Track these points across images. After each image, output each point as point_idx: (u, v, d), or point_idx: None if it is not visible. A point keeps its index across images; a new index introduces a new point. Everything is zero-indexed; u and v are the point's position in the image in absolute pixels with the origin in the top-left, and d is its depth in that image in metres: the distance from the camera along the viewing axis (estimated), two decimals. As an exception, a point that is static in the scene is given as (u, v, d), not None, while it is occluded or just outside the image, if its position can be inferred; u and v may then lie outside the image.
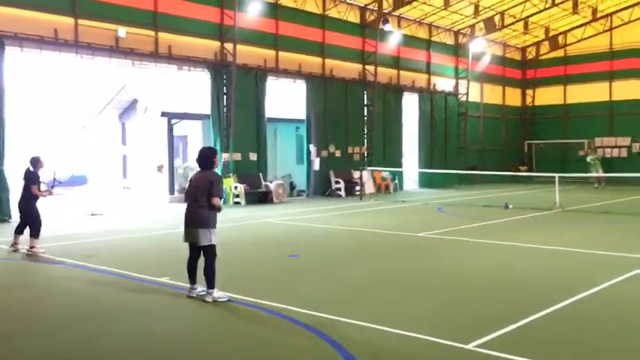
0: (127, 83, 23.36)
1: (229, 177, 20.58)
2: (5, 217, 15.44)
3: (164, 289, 7.72)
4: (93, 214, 16.95)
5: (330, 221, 15.30)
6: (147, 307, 6.88)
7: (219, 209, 7.15)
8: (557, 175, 18.96)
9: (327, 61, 24.47)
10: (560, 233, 12.78)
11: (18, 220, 10.86)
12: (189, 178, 7.66)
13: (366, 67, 26.00)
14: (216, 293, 7.04)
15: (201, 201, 7.10)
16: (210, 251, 7.13)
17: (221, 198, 7.24)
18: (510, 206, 17.72)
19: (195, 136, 22.93)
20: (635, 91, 31.92)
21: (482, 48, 31.84)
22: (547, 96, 35.61)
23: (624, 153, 32.18)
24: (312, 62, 23.93)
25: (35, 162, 10.50)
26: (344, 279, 8.40)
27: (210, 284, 7.06)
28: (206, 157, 7.30)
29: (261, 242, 11.97)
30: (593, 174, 27.16)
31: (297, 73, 23.38)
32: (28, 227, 10.57)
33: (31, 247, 10.32)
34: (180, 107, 21.81)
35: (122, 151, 25.40)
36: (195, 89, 21.79)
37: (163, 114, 21.23)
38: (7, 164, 15.87)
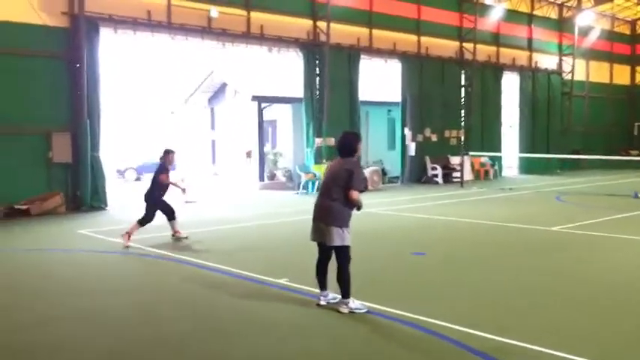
0: (217, 67, 22.77)
1: (323, 163, 19.55)
2: (102, 205, 15.09)
3: (286, 295, 6.70)
4: (187, 202, 16.38)
5: (438, 211, 13.97)
6: (272, 320, 5.85)
7: (357, 205, 6.01)
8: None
9: (422, 38, 22.91)
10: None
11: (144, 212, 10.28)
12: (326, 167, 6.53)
13: (464, 44, 24.23)
14: (353, 303, 5.95)
15: (335, 193, 5.97)
16: (344, 254, 6.01)
17: (362, 191, 6.04)
18: None
19: (285, 121, 22.06)
20: None
21: (590, 22, 29.17)
22: (660, 73, 32.46)
23: None
24: (406, 40, 22.46)
25: (165, 154, 10.32)
26: (488, 285, 7.11)
27: (346, 293, 5.98)
28: (348, 143, 6.14)
29: (373, 236, 10.81)
30: None
31: (391, 52, 21.99)
32: (165, 216, 10.33)
33: (175, 232, 10.31)
34: (270, 90, 20.97)
35: (211, 136, 24.95)
36: (285, 71, 20.88)
37: (254, 98, 20.46)
38: (103, 151, 15.52)
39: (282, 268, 8.01)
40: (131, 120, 28.41)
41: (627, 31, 32.93)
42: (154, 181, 10.24)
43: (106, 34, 15.50)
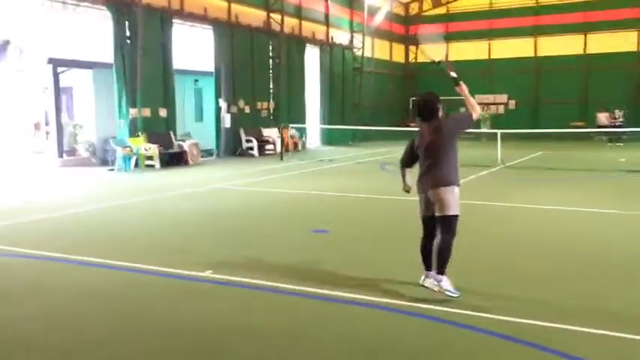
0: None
1: (138, 136, 17.74)
2: None
3: (234, 291, 5.72)
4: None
5: (285, 185, 13.62)
6: (259, 329, 4.92)
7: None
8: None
9: (232, 5, 22.03)
10: (551, 192, 12.43)
11: None
12: (412, 139, 5.70)
13: (271, 15, 23.94)
14: (446, 283, 5.32)
15: (441, 160, 5.38)
16: (452, 224, 5.35)
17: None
18: None
19: (84, 88, 19.46)
20: (514, 49, 33.46)
21: (376, 1, 31.10)
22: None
23: (501, 110, 33.84)
24: (217, 6, 21.38)
25: None
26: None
27: (442, 269, 5.33)
28: (430, 105, 5.49)
29: (253, 213, 10.06)
30: (483, 130, 28.03)
31: (202, 18, 20.74)
32: None
33: None
34: (67, 53, 18.20)
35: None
36: (85, 32, 18.29)
37: (50, 60, 17.58)
38: None
39: (185, 256, 6.91)
40: None
41: (402, 13, 35.93)
42: None
43: None
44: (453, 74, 5.60)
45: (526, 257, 6.95)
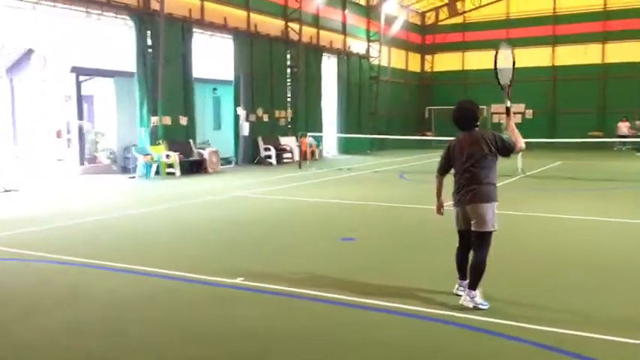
0: (20, 28, 19.28)
1: (159, 144, 17.91)
2: None
3: (266, 298, 5.76)
4: (6, 190, 13.71)
5: (306, 193, 13.65)
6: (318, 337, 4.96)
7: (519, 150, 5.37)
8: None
9: (251, 15, 22.23)
10: (576, 201, 12.37)
11: None
12: (448, 146, 5.53)
13: (289, 24, 24.11)
14: (479, 298, 5.29)
15: (482, 175, 5.26)
16: (487, 240, 5.31)
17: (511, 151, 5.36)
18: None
19: (106, 97, 19.67)
20: (531, 58, 33.33)
21: (393, 11, 31.21)
22: (445, 62, 36.14)
23: (519, 119, 33.69)
24: (237, 16, 21.59)
25: None
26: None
27: (475, 284, 5.29)
28: (470, 114, 5.39)
29: (277, 221, 10.10)
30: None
31: (222, 27, 20.94)
32: None
33: None
34: (89, 62, 18.45)
35: (10, 112, 21.20)
36: (108, 41, 18.54)
37: (74, 69, 17.83)
38: None
39: (216, 264, 6.96)
40: None
41: (418, 22, 35.99)
42: None
43: None
44: (508, 103, 5.52)
45: (556, 267, 6.91)
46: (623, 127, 27.59)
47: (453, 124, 5.44)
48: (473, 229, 5.33)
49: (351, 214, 11.09)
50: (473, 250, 5.40)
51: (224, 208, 11.59)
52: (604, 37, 31.76)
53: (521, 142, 5.33)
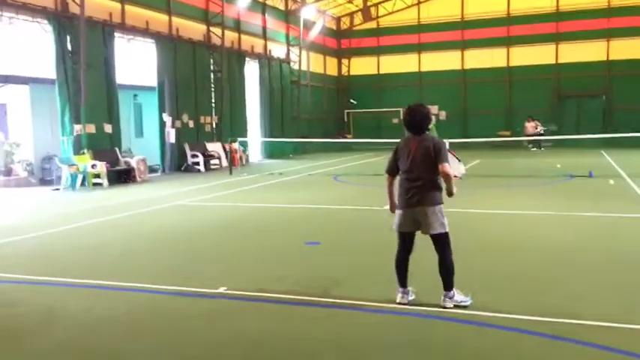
0: None
1: (84, 153, 17.07)
2: None
3: (259, 307, 5.65)
4: None
5: (251, 199, 13.51)
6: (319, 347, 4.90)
7: (449, 188, 5.35)
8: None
9: (173, 19, 21.71)
10: (514, 197, 13.00)
11: None
12: (395, 148, 5.48)
13: (211, 28, 23.76)
14: (458, 295, 5.36)
15: (425, 175, 5.31)
16: (447, 240, 5.37)
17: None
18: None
19: (20, 105, 18.48)
20: (439, 62, 34.78)
21: (311, 16, 31.51)
22: (361, 66, 36.91)
23: (433, 120, 34.98)
24: (158, 20, 21.00)
25: None
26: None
27: (450, 284, 5.35)
28: (422, 118, 5.39)
29: (235, 229, 9.92)
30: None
31: (144, 32, 20.30)
32: None
33: None
34: (1, 68, 17.24)
35: None
36: (21, 46, 17.42)
37: (-13, 76, 16.62)
38: None
39: (193, 274, 6.76)
40: None
41: (334, 27, 36.54)
42: None
43: None
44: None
45: (503, 260, 7.29)
46: (530, 126, 29.39)
47: (404, 128, 5.47)
48: (431, 232, 5.36)
49: (306, 217, 11.11)
50: (437, 253, 5.43)
51: (172, 218, 11.23)
52: (508, 42, 33.65)
53: (454, 189, 5.39)
